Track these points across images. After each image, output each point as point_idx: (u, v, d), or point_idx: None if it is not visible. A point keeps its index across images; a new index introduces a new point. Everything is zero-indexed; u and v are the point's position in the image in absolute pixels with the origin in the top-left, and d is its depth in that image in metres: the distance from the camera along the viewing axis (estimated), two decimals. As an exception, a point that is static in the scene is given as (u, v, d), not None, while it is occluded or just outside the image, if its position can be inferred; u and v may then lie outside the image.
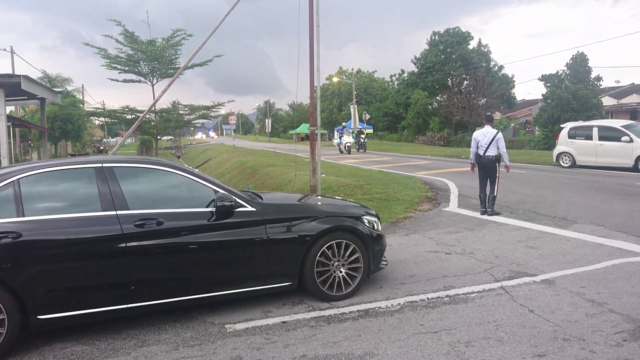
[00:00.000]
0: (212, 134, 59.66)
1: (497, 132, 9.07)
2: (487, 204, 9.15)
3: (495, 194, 9.13)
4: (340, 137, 31.26)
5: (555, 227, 7.83)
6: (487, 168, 9.16)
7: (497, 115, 49.27)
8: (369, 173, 16.17)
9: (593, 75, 36.25)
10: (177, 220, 4.37)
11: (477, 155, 9.28)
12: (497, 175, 9.11)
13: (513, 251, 6.55)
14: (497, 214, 9.05)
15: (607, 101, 39.36)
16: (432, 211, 9.72)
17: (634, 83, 46.59)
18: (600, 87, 37.51)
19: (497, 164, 9.10)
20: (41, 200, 4.16)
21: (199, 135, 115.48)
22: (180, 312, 4.62)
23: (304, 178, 13.14)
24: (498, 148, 9.02)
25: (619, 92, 43.84)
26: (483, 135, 9.17)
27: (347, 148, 29.71)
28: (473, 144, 9.36)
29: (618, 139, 15.90)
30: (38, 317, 3.88)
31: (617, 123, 17.40)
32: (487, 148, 9.04)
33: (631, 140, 15.54)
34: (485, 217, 8.85)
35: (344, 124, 35.47)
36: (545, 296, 4.81)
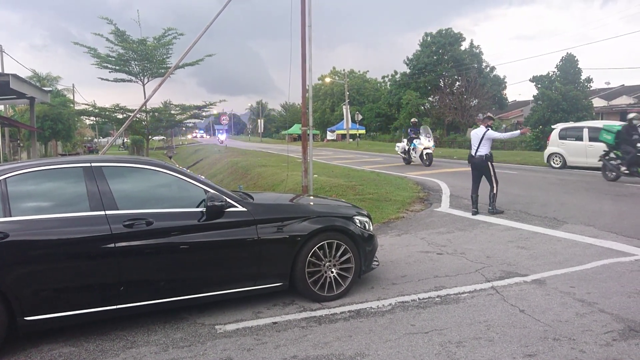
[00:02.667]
0: (221, 136, 53.24)
1: (486, 130, 9.11)
2: (477, 205, 9.19)
3: (495, 192, 9.15)
4: (412, 140, 19.76)
5: (546, 228, 7.86)
6: (478, 168, 9.20)
7: (489, 116, 49.48)
8: (361, 173, 16.18)
9: (583, 77, 36.58)
10: (167, 220, 4.33)
11: (469, 155, 9.35)
12: (492, 173, 9.11)
13: (504, 251, 6.57)
14: (500, 212, 9.07)
15: (597, 102, 39.72)
16: (423, 211, 9.74)
17: (623, 85, 47.12)
18: (591, 89, 37.85)
19: (488, 163, 9.12)
20: (29, 200, 4.10)
21: (199, 135, 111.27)
22: (169, 313, 4.58)
23: (296, 178, 13.12)
24: (489, 145, 9.08)
25: (609, 94, 44.28)
26: (475, 135, 9.25)
27: (426, 157, 18.96)
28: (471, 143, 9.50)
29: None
30: (25, 318, 3.83)
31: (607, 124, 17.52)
32: (478, 148, 9.09)
33: (621, 142, 15.64)
34: (477, 217, 8.87)
35: (414, 119, 22.10)
36: (535, 296, 4.83)
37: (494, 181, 9.14)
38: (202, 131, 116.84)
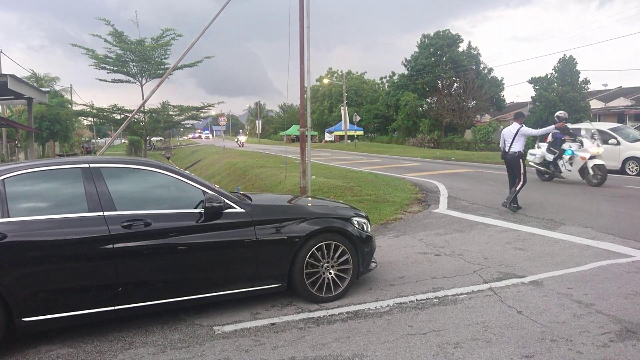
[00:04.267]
0: (241, 137, 45.67)
1: (520, 127, 9.30)
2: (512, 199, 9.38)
3: (517, 188, 9.29)
4: (560, 144, 13.08)
5: (544, 229, 7.88)
6: (511, 164, 9.43)
7: (487, 118, 49.68)
8: (359, 175, 16.19)
9: (581, 79, 36.68)
10: (165, 221, 4.33)
11: (502, 152, 9.55)
12: (522, 170, 9.26)
13: (502, 252, 6.58)
14: (517, 208, 9.19)
15: (595, 104, 39.84)
16: (421, 213, 9.75)
17: (621, 86, 47.29)
18: (588, 90, 37.95)
19: (520, 160, 9.27)
20: (27, 201, 4.10)
21: (203, 136, 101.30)
22: (167, 314, 4.58)
23: (294, 179, 13.12)
24: (523, 142, 9.23)
25: (607, 96, 44.42)
26: (508, 132, 9.48)
27: (594, 171, 12.37)
28: (501, 141, 9.72)
29: (605, 142, 16.07)
30: (23, 319, 3.82)
31: (604, 126, 17.59)
32: (511, 144, 9.30)
33: (618, 143, 15.73)
34: (476, 218, 8.88)
35: (561, 112, 12.43)
36: (533, 297, 4.84)
37: (521, 178, 9.28)
38: (207, 131, 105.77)
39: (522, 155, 9.29)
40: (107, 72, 24.91)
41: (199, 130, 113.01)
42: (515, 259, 6.23)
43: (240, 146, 41.18)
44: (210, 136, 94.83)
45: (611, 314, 4.34)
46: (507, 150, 9.45)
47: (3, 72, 27.55)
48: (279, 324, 4.37)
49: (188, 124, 33.15)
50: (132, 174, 4.62)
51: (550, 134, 13.40)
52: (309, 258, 4.80)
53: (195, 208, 4.51)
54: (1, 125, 25.68)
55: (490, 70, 48.65)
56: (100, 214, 4.12)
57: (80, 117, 35.75)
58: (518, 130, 9.24)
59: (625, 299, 4.71)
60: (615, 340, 3.83)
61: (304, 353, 3.78)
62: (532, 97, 37.13)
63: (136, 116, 23.14)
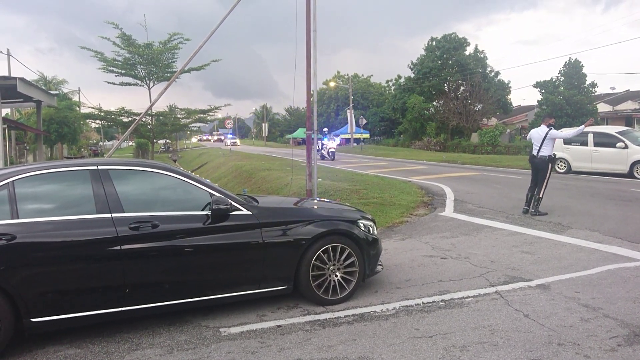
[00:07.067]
0: (331, 143, 28.07)
1: (548, 130, 9.07)
2: (531, 204, 9.27)
3: (540, 196, 9.17)
4: None
5: (551, 232, 7.84)
6: (539, 167, 9.19)
7: (493, 121, 49.55)
8: (365, 178, 16.18)
9: (588, 82, 36.56)
10: (173, 223, 4.35)
11: (530, 155, 9.36)
12: (547, 176, 9.13)
13: (508, 256, 6.56)
14: (543, 214, 9.09)
15: (602, 108, 39.65)
16: (428, 216, 9.73)
17: (628, 90, 47.00)
18: (595, 94, 37.83)
19: (549, 165, 9.11)
20: (36, 202, 4.14)
21: (229, 141, 66.80)
22: (174, 316, 4.60)
23: (300, 182, 13.14)
24: (552, 145, 9.03)
25: (614, 99, 44.17)
26: (537, 134, 9.23)
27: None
28: (533, 143, 9.51)
29: (613, 145, 16.00)
30: (31, 319, 3.86)
31: (612, 129, 17.50)
32: (540, 148, 9.08)
33: (626, 147, 15.64)
34: (481, 221, 8.86)
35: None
36: (540, 301, 4.82)
37: (544, 185, 9.15)
38: (231, 135, 74.87)
39: (552, 159, 9.09)
40: (115, 75, 25.04)
41: (216, 133, 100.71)
42: (522, 263, 6.20)
43: (329, 158, 26.63)
44: (238, 141, 66.25)
45: (619, 318, 4.31)
46: (535, 154, 9.18)
47: (12, 74, 27.80)
48: (284, 326, 4.37)
49: (195, 126, 33.18)
50: (139, 176, 4.65)
51: None
52: (315, 260, 4.80)
53: (202, 210, 4.53)
54: (10, 127, 25.88)
55: (497, 73, 48.65)
56: (108, 215, 4.15)
57: (88, 120, 35.93)
58: (547, 133, 9.01)
59: (633, 303, 4.68)
60: (623, 344, 3.81)
61: (309, 355, 3.78)
62: (538, 100, 37.05)
63: (143, 119, 23.24)
